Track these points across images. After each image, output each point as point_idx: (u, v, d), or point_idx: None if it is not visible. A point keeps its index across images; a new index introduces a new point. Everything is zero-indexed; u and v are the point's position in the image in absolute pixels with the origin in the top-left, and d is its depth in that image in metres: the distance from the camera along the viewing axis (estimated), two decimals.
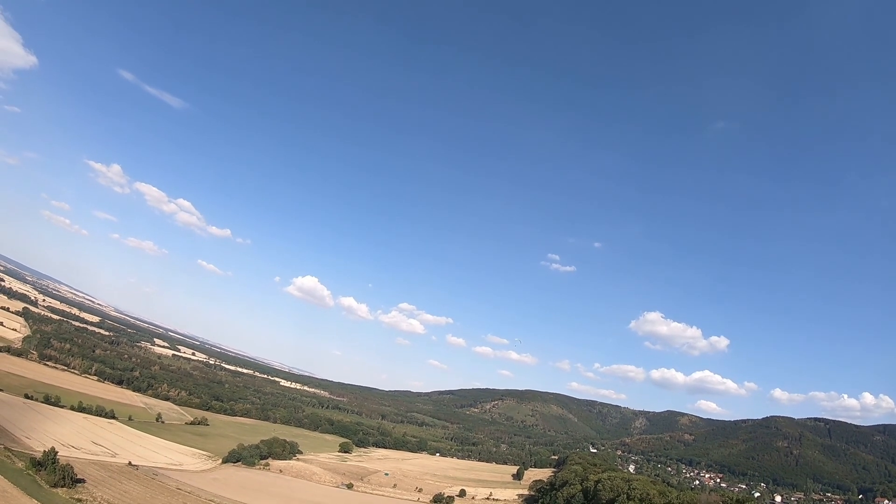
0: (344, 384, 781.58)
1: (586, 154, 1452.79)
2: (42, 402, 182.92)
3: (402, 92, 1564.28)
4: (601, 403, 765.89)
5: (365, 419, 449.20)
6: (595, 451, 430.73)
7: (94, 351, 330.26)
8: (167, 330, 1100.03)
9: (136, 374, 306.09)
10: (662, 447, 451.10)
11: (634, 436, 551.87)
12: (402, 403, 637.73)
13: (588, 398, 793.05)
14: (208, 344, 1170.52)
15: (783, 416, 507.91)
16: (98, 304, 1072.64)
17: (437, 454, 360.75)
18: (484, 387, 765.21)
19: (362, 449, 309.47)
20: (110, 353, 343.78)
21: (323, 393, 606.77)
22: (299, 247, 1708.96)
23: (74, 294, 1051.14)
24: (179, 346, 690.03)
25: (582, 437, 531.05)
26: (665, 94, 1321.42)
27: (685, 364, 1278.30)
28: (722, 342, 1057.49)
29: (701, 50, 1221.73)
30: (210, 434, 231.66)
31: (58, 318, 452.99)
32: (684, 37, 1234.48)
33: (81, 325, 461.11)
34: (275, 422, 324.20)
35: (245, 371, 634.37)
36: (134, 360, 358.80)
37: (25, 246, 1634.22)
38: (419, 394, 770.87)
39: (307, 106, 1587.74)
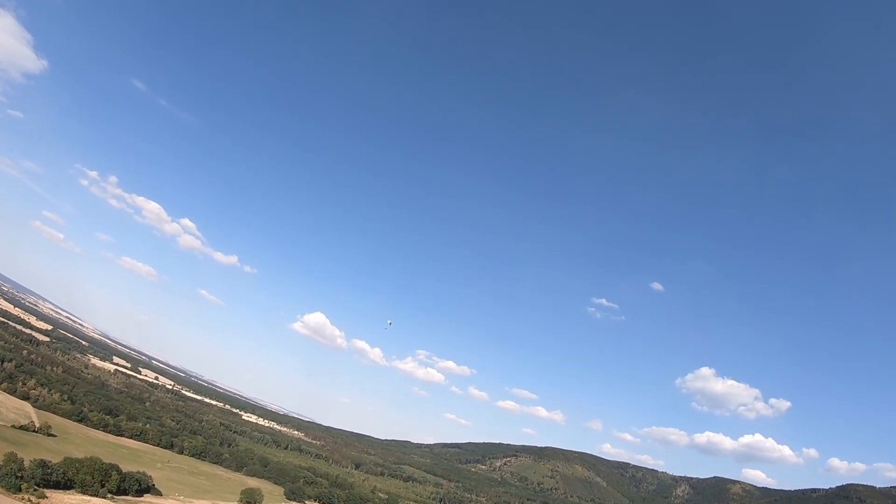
0: (333, 429, 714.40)
1: (652, 181, 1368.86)
2: None
3: (429, 120, 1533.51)
4: (635, 466, 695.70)
5: (328, 466, 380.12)
6: None
7: None
8: (151, 358, 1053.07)
9: (5, 365, 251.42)
10: None
11: None
12: (394, 454, 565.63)
13: (620, 460, 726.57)
14: (197, 378, 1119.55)
15: (864, 485, 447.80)
16: (80, 323, 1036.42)
17: None
18: (496, 441, 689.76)
19: (292, 503, 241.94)
20: None
21: (296, 433, 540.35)
22: (309, 281, 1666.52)
23: (56, 312, 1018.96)
24: (142, 369, 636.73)
25: None
26: (732, 134, 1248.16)
27: (734, 427, 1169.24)
28: (783, 405, 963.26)
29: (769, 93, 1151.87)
30: (28, 443, 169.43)
31: None
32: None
33: (18, 329, 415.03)
34: (180, 451, 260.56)
35: (206, 400, 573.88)
36: (27, 356, 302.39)
37: (12, 258, 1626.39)
38: (419, 445, 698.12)
39: (327, 132, 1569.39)
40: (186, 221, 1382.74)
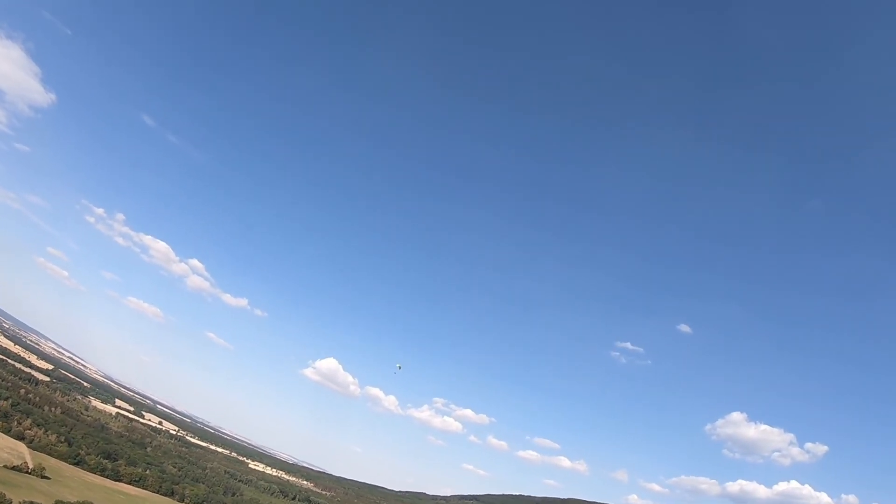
0: (345, 479, 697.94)
1: (676, 219, 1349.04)
2: None
3: (445, 157, 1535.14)
4: None
5: None
6: None
7: None
8: (156, 402, 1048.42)
9: (1, 403, 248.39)
10: None
11: None
12: None
13: None
14: (203, 423, 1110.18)
15: None
16: (82, 364, 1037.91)
17: None
18: (517, 493, 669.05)
19: None
20: None
21: (305, 483, 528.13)
22: (321, 325, 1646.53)
23: (58, 351, 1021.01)
24: (145, 413, 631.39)
25: None
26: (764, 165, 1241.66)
27: (768, 475, 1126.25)
28: (819, 449, 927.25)
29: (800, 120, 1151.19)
30: (19, 485, 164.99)
31: None
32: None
33: (18, 367, 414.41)
34: (181, 500, 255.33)
35: (212, 447, 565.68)
36: (26, 395, 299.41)
37: (14, 294, 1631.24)
38: (435, 497, 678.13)
39: (341, 171, 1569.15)
40: (195, 262, 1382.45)
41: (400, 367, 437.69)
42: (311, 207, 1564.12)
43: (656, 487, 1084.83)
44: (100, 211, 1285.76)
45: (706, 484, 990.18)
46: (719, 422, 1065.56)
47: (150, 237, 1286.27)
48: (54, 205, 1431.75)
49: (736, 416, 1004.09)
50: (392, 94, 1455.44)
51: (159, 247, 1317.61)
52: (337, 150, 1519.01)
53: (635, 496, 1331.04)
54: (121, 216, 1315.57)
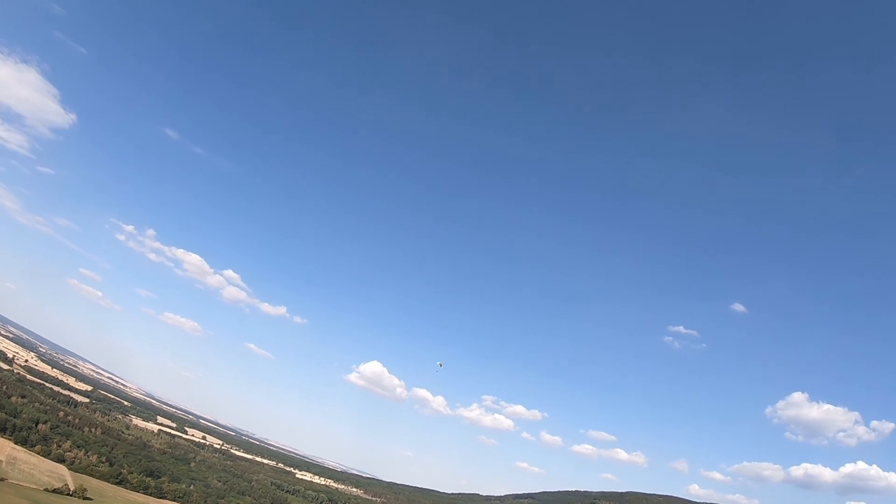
0: (395, 484, 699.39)
1: (725, 198, 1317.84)
2: None
3: (483, 155, 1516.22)
4: None
5: None
6: None
7: (8, 398, 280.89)
8: (199, 417, 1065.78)
9: (40, 427, 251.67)
10: None
11: None
12: None
13: (710, 502, 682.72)
14: (249, 436, 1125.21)
15: None
16: (122, 384, 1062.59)
17: None
18: (573, 489, 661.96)
19: None
20: (27, 404, 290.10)
21: (354, 491, 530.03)
22: (364, 328, 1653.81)
23: (97, 372, 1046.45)
24: (188, 429, 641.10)
25: None
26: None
27: (833, 457, 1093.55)
28: (886, 427, 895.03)
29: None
30: None
31: (31, 378, 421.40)
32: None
33: (56, 390, 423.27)
34: None
35: (258, 459, 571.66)
36: (65, 417, 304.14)
37: (49, 318, 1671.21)
38: (488, 497, 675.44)
39: (374, 173, 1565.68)
40: (230, 272, 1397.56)
41: (441, 365, 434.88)
42: (344, 210, 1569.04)
43: (718, 476, 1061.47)
44: (130, 228, 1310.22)
45: (769, 469, 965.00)
46: (780, 404, 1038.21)
47: (182, 251, 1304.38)
48: (83, 225, 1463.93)
49: (797, 396, 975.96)
50: (420, 95, 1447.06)
51: (193, 260, 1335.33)
52: (368, 152, 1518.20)
53: (696, 486, 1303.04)
54: (151, 232, 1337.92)
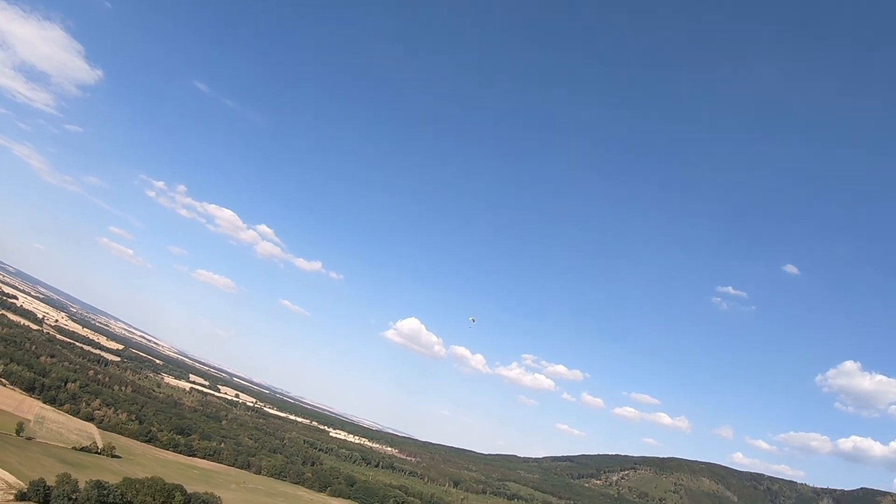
0: (431, 444, 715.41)
1: (778, 155, 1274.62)
2: None
3: (527, 113, 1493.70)
4: (770, 478, 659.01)
5: (422, 485, 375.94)
6: None
7: (37, 358, 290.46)
8: (232, 375, 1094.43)
9: (69, 386, 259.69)
10: None
11: None
12: (498, 470, 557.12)
13: (754, 471, 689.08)
14: (283, 394, 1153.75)
15: None
16: (155, 342, 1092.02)
17: None
18: (613, 453, 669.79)
19: None
20: (56, 363, 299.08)
21: (389, 450, 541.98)
22: (401, 284, 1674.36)
23: (129, 331, 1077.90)
24: (221, 387, 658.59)
25: None
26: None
27: (885, 430, 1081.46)
28: None
29: None
30: (89, 465, 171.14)
31: (61, 338, 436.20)
32: None
33: (86, 349, 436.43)
34: (258, 472, 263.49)
35: (291, 417, 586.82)
36: (95, 376, 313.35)
37: (80, 278, 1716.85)
38: (526, 459, 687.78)
39: (416, 127, 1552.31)
40: (263, 228, 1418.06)
41: (474, 321, 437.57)
42: (382, 164, 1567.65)
43: (763, 445, 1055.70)
44: (160, 184, 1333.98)
45: (817, 441, 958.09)
46: (831, 372, 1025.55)
47: (214, 206, 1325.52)
48: (113, 183, 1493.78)
49: (849, 365, 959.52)
50: (464, 49, 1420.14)
51: (225, 215, 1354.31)
52: (405, 105, 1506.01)
53: (740, 454, 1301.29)
54: (182, 187, 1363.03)
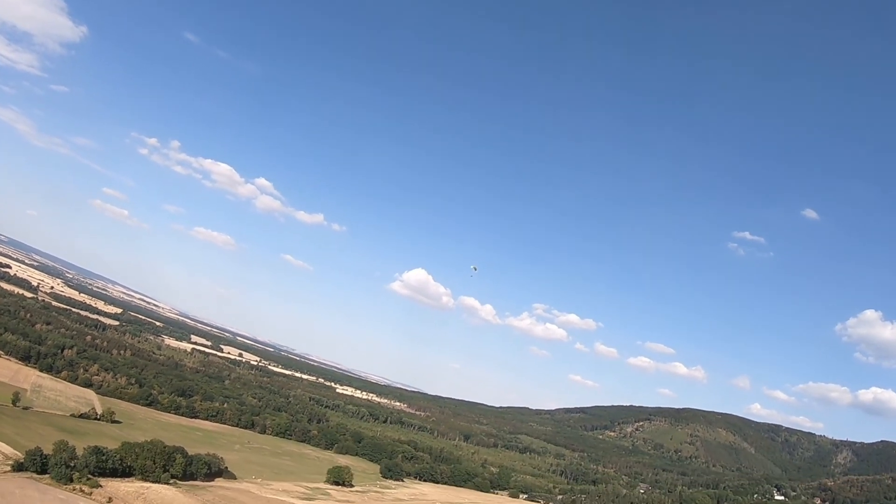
0: (441, 398, 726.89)
1: (795, 89, 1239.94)
2: None
3: (533, 54, 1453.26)
4: (788, 430, 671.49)
5: (432, 439, 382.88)
6: (782, 497, 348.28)
7: (32, 326, 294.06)
8: (235, 335, 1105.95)
9: (66, 352, 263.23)
10: (882, 493, 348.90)
11: (837, 476, 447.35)
12: (509, 423, 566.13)
13: (771, 423, 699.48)
14: (288, 352, 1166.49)
15: None
16: (155, 304, 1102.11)
17: (524, 496, 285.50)
18: (627, 404, 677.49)
19: (390, 481, 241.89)
20: (52, 331, 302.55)
21: (398, 405, 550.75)
22: (406, 235, 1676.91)
23: (128, 294, 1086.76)
24: (224, 347, 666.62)
25: (761, 477, 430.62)
26: None
27: None
28: None
29: None
30: (88, 432, 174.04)
31: (57, 304, 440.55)
32: None
33: (83, 315, 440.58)
34: (262, 431, 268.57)
35: (297, 375, 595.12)
36: (92, 341, 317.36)
37: (75, 242, 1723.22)
38: (539, 411, 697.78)
39: (419, 72, 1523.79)
40: (262, 181, 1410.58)
41: (476, 269, 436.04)
42: (383, 111, 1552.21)
43: (781, 395, 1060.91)
44: (152, 141, 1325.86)
45: (836, 392, 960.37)
46: (851, 321, 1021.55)
47: (209, 161, 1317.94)
48: (103, 143, 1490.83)
49: (870, 314, 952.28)
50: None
51: (221, 170, 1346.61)
52: (406, 49, 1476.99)
53: (758, 405, 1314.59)
54: (176, 143, 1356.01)
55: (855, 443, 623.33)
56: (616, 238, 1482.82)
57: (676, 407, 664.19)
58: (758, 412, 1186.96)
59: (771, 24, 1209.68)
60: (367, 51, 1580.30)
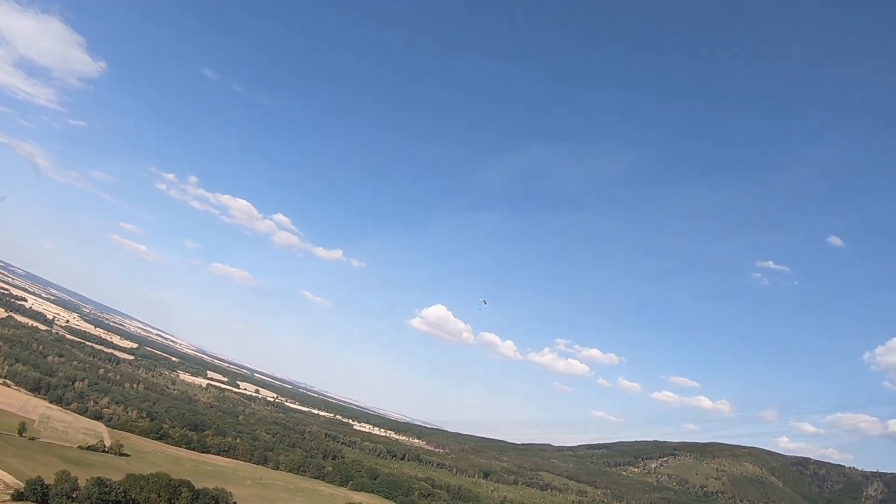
0: (461, 435, 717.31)
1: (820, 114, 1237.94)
2: None
3: (544, 58, 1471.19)
4: (817, 462, 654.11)
5: (450, 476, 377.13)
6: None
7: (44, 357, 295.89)
8: (253, 371, 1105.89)
9: (77, 384, 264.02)
10: None
11: None
12: (530, 459, 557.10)
13: (799, 455, 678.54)
14: (306, 389, 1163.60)
15: None
16: (171, 340, 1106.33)
17: None
18: (651, 439, 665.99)
19: None
20: (64, 363, 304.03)
21: (416, 442, 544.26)
22: (425, 271, 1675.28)
23: (145, 330, 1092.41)
24: (241, 383, 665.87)
25: None
26: None
27: None
28: None
29: None
30: (94, 464, 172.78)
31: (70, 338, 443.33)
32: None
33: (98, 349, 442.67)
34: (275, 467, 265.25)
35: (313, 411, 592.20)
36: (105, 374, 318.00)
37: (92, 277, 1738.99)
38: (561, 448, 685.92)
39: (429, 112, 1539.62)
40: (280, 217, 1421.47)
41: (486, 303, 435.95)
42: (401, 147, 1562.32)
43: (809, 427, 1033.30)
44: (170, 176, 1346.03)
45: (865, 422, 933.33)
46: (880, 349, 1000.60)
47: (227, 196, 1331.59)
48: (121, 177, 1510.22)
49: None
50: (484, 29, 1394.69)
51: (239, 205, 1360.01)
52: (421, 89, 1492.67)
53: (785, 438, 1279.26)
54: (193, 179, 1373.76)
55: (886, 474, 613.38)
56: (637, 270, 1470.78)
57: (701, 441, 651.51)
58: (785, 445, 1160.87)
59: (787, 51, 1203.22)
60: (383, 89, 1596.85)
